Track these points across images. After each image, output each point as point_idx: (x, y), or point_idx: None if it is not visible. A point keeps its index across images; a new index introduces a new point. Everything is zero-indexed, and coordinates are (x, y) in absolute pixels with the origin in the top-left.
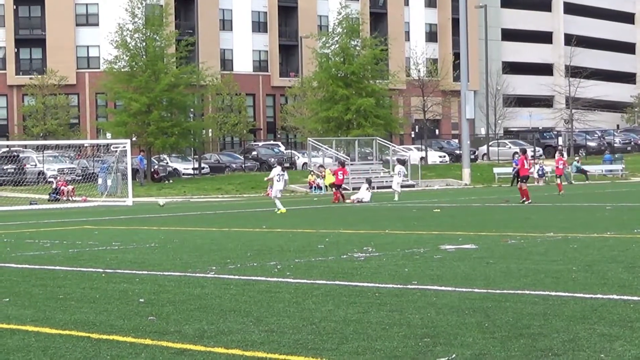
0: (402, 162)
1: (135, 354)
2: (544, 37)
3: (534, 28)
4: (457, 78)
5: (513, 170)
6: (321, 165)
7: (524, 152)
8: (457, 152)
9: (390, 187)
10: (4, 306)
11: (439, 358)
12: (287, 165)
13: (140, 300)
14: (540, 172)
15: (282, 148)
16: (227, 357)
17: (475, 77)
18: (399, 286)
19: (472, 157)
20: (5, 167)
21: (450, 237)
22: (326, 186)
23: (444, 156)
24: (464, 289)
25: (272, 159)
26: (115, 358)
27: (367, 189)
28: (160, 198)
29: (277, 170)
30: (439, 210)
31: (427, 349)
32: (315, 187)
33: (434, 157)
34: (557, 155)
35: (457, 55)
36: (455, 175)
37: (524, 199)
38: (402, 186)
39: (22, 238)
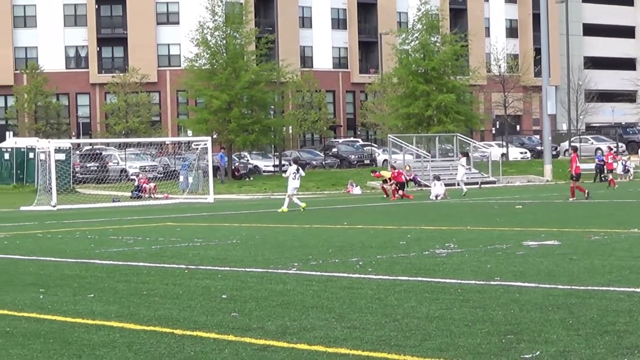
0: (465, 154)
1: (218, 349)
2: (627, 32)
3: (616, 22)
4: (538, 73)
5: (595, 166)
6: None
7: (575, 150)
8: (539, 148)
9: (473, 183)
10: (89, 302)
11: (523, 355)
12: (367, 162)
13: (223, 296)
14: (624, 168)
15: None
16: (310, 354)
17: (556, 72)
18: (481, 282)
19: (554, 153)
20: (88, 165)
21: (533, 234)
22: (384, 180)
23: (525, 152)
24: (547, 286)
25: (352, 156)
26: (199, 354)
27: (441, 184)
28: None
29: (292, 168)
30: (520, 206)
31: (511, 346)
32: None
33: (515, 153)
34: None
35: (538, 51)
36: (536, 171)
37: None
38: (482, 183)
39: (106, 235)
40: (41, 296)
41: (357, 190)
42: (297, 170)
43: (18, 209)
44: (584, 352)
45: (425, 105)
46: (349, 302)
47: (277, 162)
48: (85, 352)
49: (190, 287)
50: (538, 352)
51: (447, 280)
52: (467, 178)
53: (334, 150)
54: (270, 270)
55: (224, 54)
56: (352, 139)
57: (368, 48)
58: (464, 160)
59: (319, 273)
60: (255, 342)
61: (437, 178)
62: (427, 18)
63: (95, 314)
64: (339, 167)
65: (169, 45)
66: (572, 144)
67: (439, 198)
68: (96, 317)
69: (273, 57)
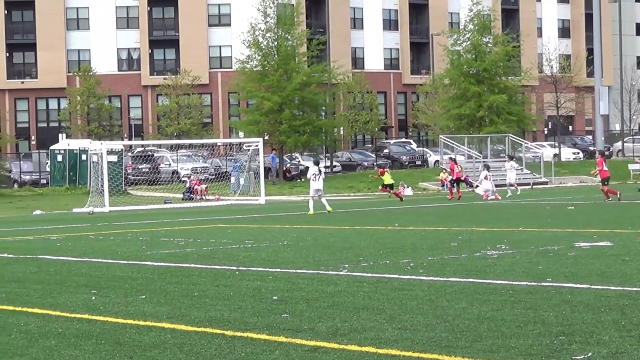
0: (512, 158)
1: (269, 351)
2: None
3: None
4: (590, 74)
5: None
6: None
7: (602, 154)
8: (591, 148)
9: (524, 184)
10: (141, 303)
11: (574, 356)
12: (418, 162)
13: (274, 297)
14: None
15: (414, 145)
16: (361, 355)
17: (609, 72)
18: (533, 284)
19: (607, 153)
20: (140, 167)
21: (585, 235)
22: (385, 186)
23: (578, 153)
24: (599, 287)
25: (404, 157)
26: (250, 355)
27: (487, 176)
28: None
29: (313, 169)
30: (572, 207)
31: (563, 347)
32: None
33: (568, 153)
34: None
35: (590, 51)
36: (589, 172)
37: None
38: (534, 183)
39: (158, 236)
40: (93, 297)
41: (408, 192)
42: (319, 172)
43: (70, 210)
44: (636, 354)
45: (477, 106)
46: (400, 303)
47: (328, 163)
48: (136, 353)
49: (241, 288)
50: (590, 354)
51: (499, 282)
52: (519, 179)
53: (386, 151)
54: (321, 272)
55: (276, 56)
56: (403, 139)
57: (419, 49)
58: (510, 164)
59: (369, 274)
60: (306, 343)
61: (487, 167)
62: (478, 18)
63: (146, 315)
64: (390, 168)
65: (220, 47)
66: (599, 148)
67: (489, 196)
68: (147, 318)
69: (324, 58)
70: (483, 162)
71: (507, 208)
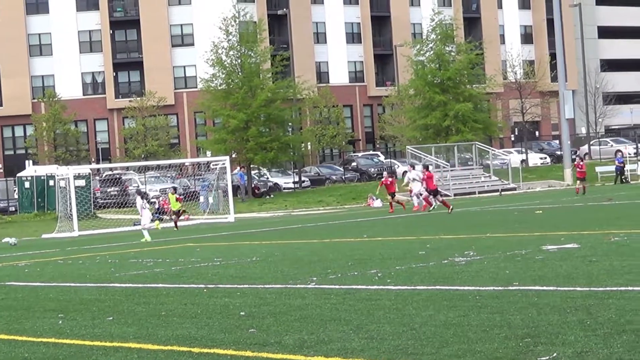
0: (413, 167)
1: None
2: None
3: (631, 24)
4: (554, 78)
5: (616, 168)
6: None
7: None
8: (558, 153)
9: (493, 190)
10: (108, 325)
11: (540, 357)
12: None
13: (242, 313)
14: None
15: (382, 158)
16: None
17: (573, 76)
18: (500, 288)
19: (574, 157)
20: (108, 190)
21: (553, 238)
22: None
23: (545, 158)
24: (566, 288)
25: (372, 169)
26: None
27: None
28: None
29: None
30: (540, 211)
31: (528, 349)
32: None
33: (535, 159)
34: None
35: (553, 56)
36: (556, 176)
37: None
38: (503, 190)
39: (127, 258)
40: (60, 321)
41: (377, 203)
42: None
43: (40, 236)
44: (601, 352)
45: (443, 115)
46: (367, 313)
47: (296, 179)
48: None
49: (208, 305)
50: (555, 354)
51: (466, 288)
52: (488, 186)
53: (354, 164)
54: (289, 286)
55: (240, 73)
56: (371, 152)
57: (383, 61)
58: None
59: (337, 286)
60: (273, 356)
61: (413, 167)
62: (441, 28)
63: (113, 336)
64: (358, 181)
65: (184, 67)
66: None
67: (421, 198)
68: (114, 339)
69: (289, 74)
70: (411, 162)
71: (475, 215)
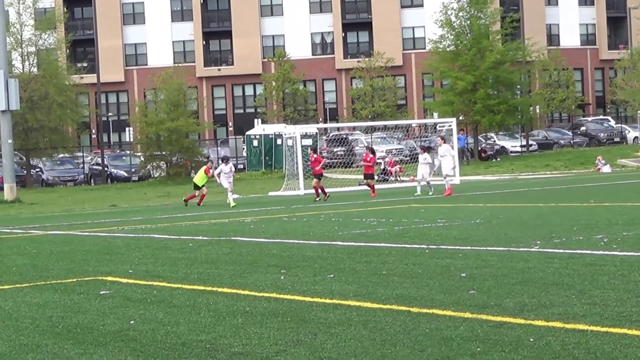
0: (426, 149)
1: (454, 326)
2: None
3: None
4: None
5: None
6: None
7: None
8: None
9: None
10: (329, 282)
11: None
12: (617, 139)
13: (462, 274)
14: None
15: (612, 122)
16: (547, 330)
17: None
18: None
19: None
20: (335, 150)
21: None
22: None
23: None
24: None
25: (602, 134)
26: (434, 331)
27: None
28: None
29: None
30: None
31: None
32: None
33: None
34: None
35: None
36: None
37: None
38: None
39: (350, 217)
40: (282, 277)
41: (606, 169)
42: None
43: (267, 194)
44: None
45: None
46: (591, 278)
47: (524, 142)
48: (320, 330)
49: (429, 266)
50: None
51: None
52: None
53: (583, 129)
54: (512, 249)
55: (469, 35)
56: (601, 117)
57: (617, 23)
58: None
59: (561, 250)
60: (492, 319)
61: (426, 150)
62: None
63: (333, 293)
64: (587, 146)
65: (413, 28)
66: None
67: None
68: (334, 296)
69: (518, 36)
70: (421, 146)
71: None
